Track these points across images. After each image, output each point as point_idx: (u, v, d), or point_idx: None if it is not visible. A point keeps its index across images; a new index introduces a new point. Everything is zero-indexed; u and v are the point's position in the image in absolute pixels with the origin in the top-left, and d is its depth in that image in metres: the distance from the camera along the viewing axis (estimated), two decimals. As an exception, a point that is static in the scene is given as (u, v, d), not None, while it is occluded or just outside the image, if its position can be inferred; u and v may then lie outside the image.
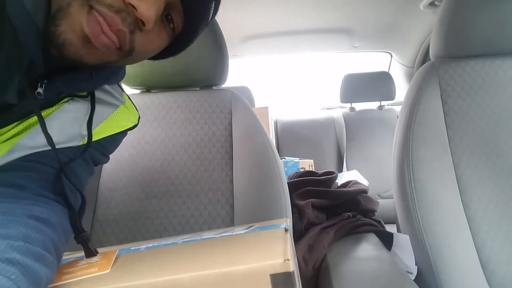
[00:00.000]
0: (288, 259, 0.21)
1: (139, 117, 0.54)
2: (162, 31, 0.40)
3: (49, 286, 0.27)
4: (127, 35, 0.35)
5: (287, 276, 0.21)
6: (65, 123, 0.42)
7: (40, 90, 0.35)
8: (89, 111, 0.44)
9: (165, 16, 0.39)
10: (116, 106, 0.49)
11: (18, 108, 0.37)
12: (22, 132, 0.39)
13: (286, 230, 0.31)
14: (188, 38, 0.45)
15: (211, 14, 0.43)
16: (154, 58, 0.46)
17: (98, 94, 0.47)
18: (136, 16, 0.34)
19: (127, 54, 0.38)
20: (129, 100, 0.53)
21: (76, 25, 0.33)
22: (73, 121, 0.43)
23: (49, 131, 0.38)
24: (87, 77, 0.40)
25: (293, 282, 0.21)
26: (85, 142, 0.44)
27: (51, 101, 0.41)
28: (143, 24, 0.35)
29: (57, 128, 0.41)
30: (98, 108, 0.46)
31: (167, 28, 0.41)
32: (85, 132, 0.43)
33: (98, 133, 0.47)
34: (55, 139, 0.39)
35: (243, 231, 0.37)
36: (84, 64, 0.36)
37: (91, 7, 0.33)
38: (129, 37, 0.35)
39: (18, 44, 0.32)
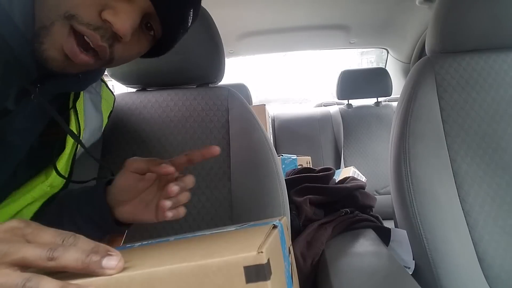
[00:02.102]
0: (261, 252, 0.22)
1: (114, 101, 0.63)
2: (142, 39, 0.43)
3: None
4: (107, 49, 0.38)
5: (260, 268, 0.22)
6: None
7: (35, 94, 0.39)
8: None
9: (145, 24, 0.42)
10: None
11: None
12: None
13: (275, 226, 0.31)
14: (167, 44, 0.47)
15: (190, 21, 0.45)
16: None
17: (86, 95, 0.52)
18: (113, 31, 0.37)
19: (108, 62, 0.41)
20: (106, 87, 0.60)
21: (58, 44, 0.36)
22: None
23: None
24: (74, 79, 0.44)
25: (265, 274, 0.21)
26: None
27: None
28: (121, 37, 0.38)
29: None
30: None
31: (147, 35, 0.43)
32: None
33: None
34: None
35: (234, 228, 0.37)
36: (68, 74, 0.40)
37: (71, 27, 0.36)
38: (109, 50, 0.39)
39: (13, 57, 0.36)
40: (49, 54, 0.36)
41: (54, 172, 0.45)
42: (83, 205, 0.45)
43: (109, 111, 0.61)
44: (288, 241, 0.39)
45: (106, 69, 0.61)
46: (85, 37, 0.36)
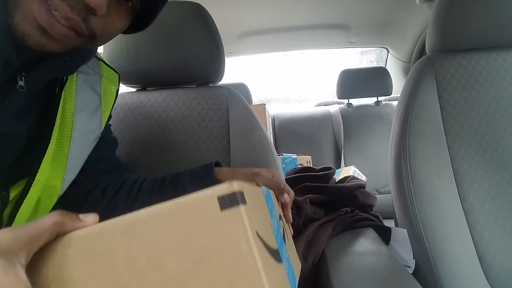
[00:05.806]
0: (233, 183, 0.23)
1: (119, 78, 0.59)
2: (121, 11, 0.41)
3: None
4: (80, 23, 0.35)
5: (233, 195, 0.22)
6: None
7: (21, 83, 0.37)
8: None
9: None
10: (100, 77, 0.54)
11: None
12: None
13: (259, 185, 0.33)
14: (148, 16, 0.45)
15: None
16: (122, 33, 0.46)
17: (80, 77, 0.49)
18: (85, 3, 0.34)
19: (90, 38, 0.38)
20: (106, 66, 0.56)
21: (30, 15, 0.33)
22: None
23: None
24: (62, 62, 0.42)
25: (238, 200, 0.22)
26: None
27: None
28: (95, 10, 0.35)
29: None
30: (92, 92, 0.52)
31: (126, 7, 0.41)
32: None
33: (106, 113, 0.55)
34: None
35: None
36: (51, 53, 0.37)
37: None
38: (84, 24, 0.36)
39: None
40: (23, 29, 0.33)
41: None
42: (194, 182, 0.51)
43: (116, 89, 0.58)
44: (278, 209, 0.40)
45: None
46: (53, 10, 0.33)
